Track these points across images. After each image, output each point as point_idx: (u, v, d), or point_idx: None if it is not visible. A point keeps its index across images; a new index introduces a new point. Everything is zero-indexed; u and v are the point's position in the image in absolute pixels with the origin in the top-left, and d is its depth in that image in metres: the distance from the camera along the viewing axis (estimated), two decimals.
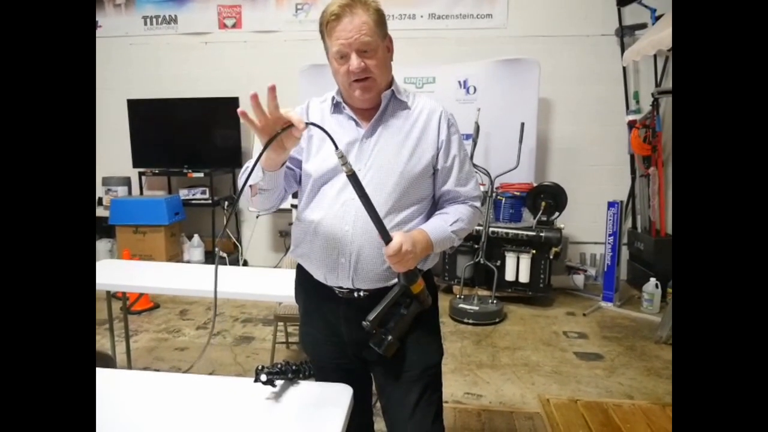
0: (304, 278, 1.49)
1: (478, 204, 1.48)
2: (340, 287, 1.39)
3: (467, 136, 4.32)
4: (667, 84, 4.77)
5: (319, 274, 1.41)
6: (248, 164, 1.41)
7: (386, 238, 1.25)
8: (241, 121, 1.18)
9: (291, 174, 1.45)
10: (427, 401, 1.42)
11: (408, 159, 1.37)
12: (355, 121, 1.40)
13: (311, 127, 1.41)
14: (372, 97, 1.36)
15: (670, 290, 4.26)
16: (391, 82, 1.41)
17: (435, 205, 1.47)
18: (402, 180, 1.35)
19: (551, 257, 4.22)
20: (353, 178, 1.21)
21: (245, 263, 5.39)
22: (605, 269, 4.37)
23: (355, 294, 1.39)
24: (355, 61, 1.29)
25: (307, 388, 1.33)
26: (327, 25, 1.30)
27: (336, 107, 1.43)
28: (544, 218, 4.25)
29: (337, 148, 1.20)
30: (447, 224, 1.39)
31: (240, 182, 1.39)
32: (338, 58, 1.32)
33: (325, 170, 1.37)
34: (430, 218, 1.43)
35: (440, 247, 1.40)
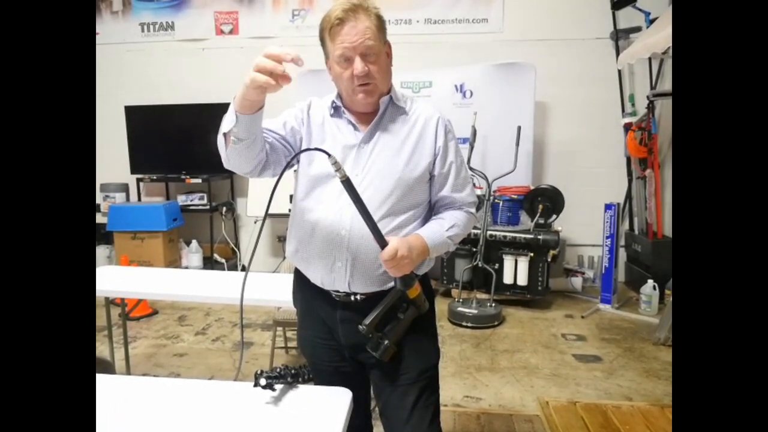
0: (301, 282, 1.50)
1: (473, 210, 1.50)
2: (337, 291, 1.40)
3: (464, 140, 4.34)
4: (662, 86, 4.80)
5: (316, 278, 1.42)
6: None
7: (382, 243, 1.26)
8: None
9: (278, 140, 1.39)
10: (424, 404, 1.43)
11: (405, 164, 1.38)
12: (353, 125, 1.41)
13: (311, 128, 1.43)
14: (374, 101, 1.38)
15: (667, 292, 4.27)
16: (389, 87, 1.43)
17: (431, 210, 1.48)
18: (399, 185, 1.36)
19: (549, 260, 4.22)
20: (347, 183, 1.22)
21: (243, 268, 5.38)
22: (603, 271, 4.38)
23: (352, 297, 1.39)
24: (359, 65, 1.30)
25: (306, 391, 1.33)
26: (330, 29, 1.31)
27: (335, 111, 1.44)
28: (541, 221, 4.27)
29: (330, 155, 1.21)
30: (443, 229, 1.41)
31: (219, 135, 1.31)
32: (341, 62, 1.32)
33: (322, 174, 1.38)
34: (426, 223, 1.44)
35: (436, 252, 1.41)
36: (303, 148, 1.42)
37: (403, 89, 1.47)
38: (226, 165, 1.33)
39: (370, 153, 1.38)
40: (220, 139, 1.30)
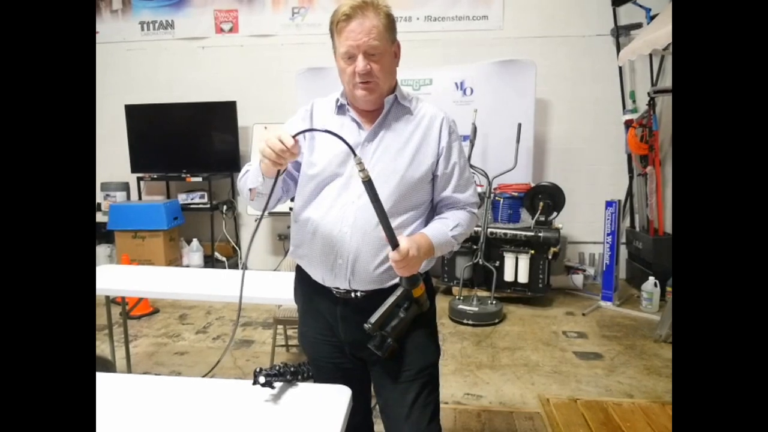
0: (302, 278, 1.50)
1: (475, 210, 1.50)
2: (338, 288, 1.40)
3: (465, 138, 4.33)
4: (663, 83, 4.79)
5: (317, 275, 1.43)
6: (247, 167, 1.44)
7: (393, 243, 1.26)
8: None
9: (291, 178, 1.48)
10: (424, 401, 1.43)
11: (408, 164, 1.38)
12: (357, 123, 1.41)
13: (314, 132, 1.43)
14: (374, 99, 1.38)
15: (668, 289, 4.26)
16: (394, 86, 1.43)
17: (433, 210, 1.48)
18: (402, 184, 1.36)
19: (550, 257, 4.22)
20: (369, 184, 1.21)
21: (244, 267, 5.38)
22: (604, 269, 4.37)
23: (352, 294, 1.40)
24: (361, 63, 1.31)
25: (305, 389, 1.33)
26: (337, 24, 1.32)
27: (340, 109, 1.44)
28: (542, 218, 4.26)
29: (356, 155, 1.21)
30: (447, 229, 1.41)
31: (239, 184, 1.47)
32: (345, 59, 1.33)
33: (326, 173, 1.38)
34: (428, 223, 1.44)
35: (440, 252, 1.41)
36: (306, 149, 1.43)
37: (403, 87, 1.48)
38: (249, 207, 1.48)
39: (373, 152, 1.38)
40: (244, 188, 1.44)
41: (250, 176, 1.40)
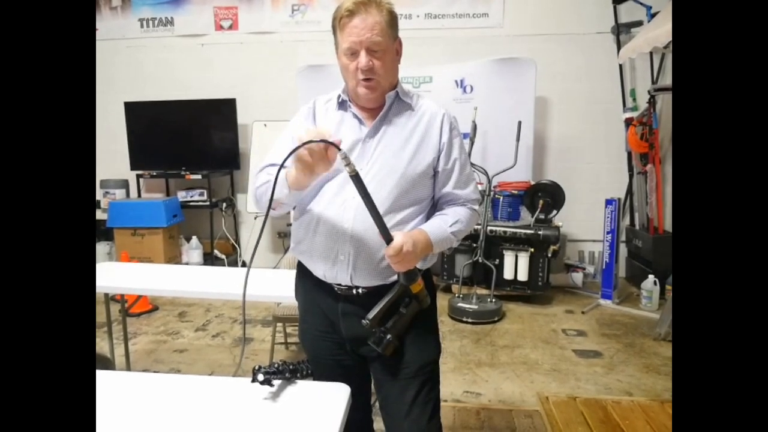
0: (303, 275, 1.50)
1: (476, 207, 1.50)
2: (339, 284, 1.40)
3: (465, 135, 4.31)
4: (664, 81, 4.79)
5: (318, 271, 1.43)
6: (266, 177, 1.39)
7: (387, 238, 1.26)
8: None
9: None
10: (424, 399, 1.43)
11: (409, 160, 1.38)
12: (359, 119, 1.42)
13: (314, 126, 1.43)
14: (376, 96, 1.38)
15: (668, 287, 4.27)
16: (396, 83, 1.43)
17: (434, 206, 1.49)
18: (402, 180, 1.37)
19: (549, 255, 4.22)
20: (356, 178, 1.21)
21: (244, 264, 5.39)
22: (604, 267, 4.37)
23: (354, 291, 1.39)
24: (363, 59, 1.31)
25: (304, 387, 1.33)
26: (340, 20, 1.32)
27: (341, 105, 1.44)
28: (542, 216, 4.26)
29: (340, 149, 1.20)
30: (446, 225, 1.41)
31: (257, 192, 1.42)
32: (348, 55, 1.34)
33: None
34: (429, 219, 1.44)
35: (439, 248, 1.41)
36: None
37: (405, 85, 1.47)
38: (262, 212, 1.41)
39: (375, 147, 1.39)
40: (264, 197, 1.37)
41: (276, 187, 1.28)
